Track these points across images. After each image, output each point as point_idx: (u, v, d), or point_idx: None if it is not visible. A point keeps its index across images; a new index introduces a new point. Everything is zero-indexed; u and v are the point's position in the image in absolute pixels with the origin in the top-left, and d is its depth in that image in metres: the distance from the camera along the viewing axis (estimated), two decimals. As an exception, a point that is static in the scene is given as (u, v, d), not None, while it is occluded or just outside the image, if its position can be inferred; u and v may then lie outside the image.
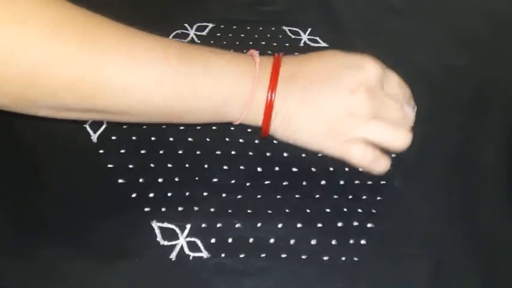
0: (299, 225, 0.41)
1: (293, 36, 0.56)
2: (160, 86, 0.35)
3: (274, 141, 0.46)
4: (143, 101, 0.36)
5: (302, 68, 0.39)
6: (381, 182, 0.44)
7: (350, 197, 0.43)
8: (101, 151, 0.44)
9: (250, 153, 0.45)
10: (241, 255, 0.39)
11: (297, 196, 0.43)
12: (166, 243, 0.39)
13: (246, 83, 0.38)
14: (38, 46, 0.31)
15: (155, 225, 0.40)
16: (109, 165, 0.43)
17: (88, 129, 0.46)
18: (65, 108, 0.35)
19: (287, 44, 0.55)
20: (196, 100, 0.37)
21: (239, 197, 0.42)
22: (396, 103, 0.39)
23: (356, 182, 0.44)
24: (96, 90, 0.34)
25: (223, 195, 0.42)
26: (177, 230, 0.40)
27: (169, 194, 0.42)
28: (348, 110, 0.38)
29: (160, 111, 0.37)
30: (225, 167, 0.44)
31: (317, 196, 0.43)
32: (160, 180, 0.43)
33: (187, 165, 0.44)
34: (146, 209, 0.41)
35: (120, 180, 0.42)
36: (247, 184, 0.43)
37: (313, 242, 0.40)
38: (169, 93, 0.36)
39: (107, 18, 0.35)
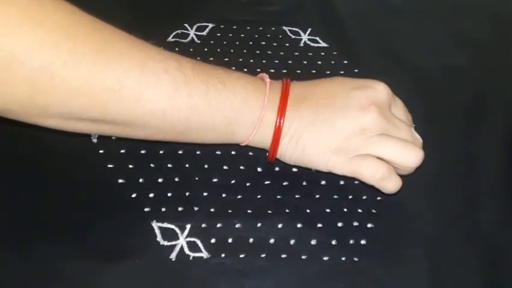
0: (299, 225, 0.41)
1: (293, 36, 0.56)
2: (174, 97, 0.35)
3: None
4: (156, 111, 0.35)
5: (311, 90, 0.40)
6: (381, 182, 0.44)
7: (350, 197, 0.43)
8: (101, 151, 0.44)
9: (250, 153, 0.45)
10: (241, 255, 0.39)
11: (297, 196, 0.43)
12: (166, 243, 0.39)
13: (257, 101, 0.38)
14: (52, 49, 0.31)
15: (155, 225, 0.40)
16: (109, 165, 0.43)
17: (88, 129, 0.46)
18: (74, 117, 0.35)
19: (287, 44, 0.55)
20: (209, 115, 0.37)
21: (239, 197, 0.42)
22: (405, 124, 0.40)
23: (356, 182, 0.44)
24: (108, 99, 0.33)
25: (223, 195, 0.42)
26: (177, 230, 0.40)
27: (169, 194, 0.42)
28: (358, 126, 0.38)
29: (173, 124, 0.36)
30: (225, 167, 0.44)
31: (317, 196, 0.43)
32: (160, 180, 0.43)
33: (187, 165, 0.44)
34: (146, 209, 0.41)
35: (120, 180, 0.42)
36: (247, 184, 0.43)
37: (313, 242, 0.40)
38: (183, 106, 0.36)
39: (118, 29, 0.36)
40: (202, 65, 0.38)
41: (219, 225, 0.41)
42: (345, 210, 0.42)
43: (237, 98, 0.37)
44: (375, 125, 0.38)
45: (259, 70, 0.52)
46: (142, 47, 0.35)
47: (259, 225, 0.41)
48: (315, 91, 0.40)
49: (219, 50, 0.54)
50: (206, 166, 0.44)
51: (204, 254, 0.39)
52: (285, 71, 0.52)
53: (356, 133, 0.38)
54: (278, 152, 0.40)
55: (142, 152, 0.45)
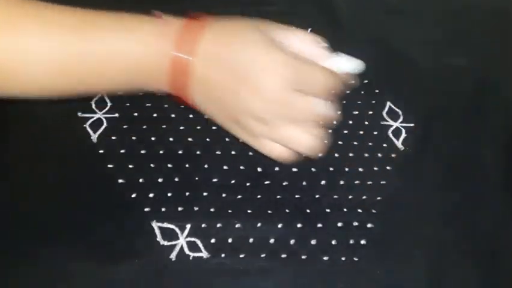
0: (299, 225, 0.41)
1: (293, 36, 0.56)
2: (63, 46, 0.35)
3: (274, 141, 0.46)
4: (45, 62, 0.35)
5: (223, 50, 0.37)
6: (381, 182, 0.44)
7: (350, 197, 0.43)
8: (101, 151, 0.44)
9: (250, 153, 0.45)
10: (241, 255, 0.39)
11: (297, 196, 0.43)
12: (166, 243, 0.39)
13: (159, 45, 0.36)
14: None
15: (155, 225, 0.40)
16: (109, 165, 0.43)
17: (88, 129, 0.46)
18: None
19: (287, 44, 0.55)
20: (103, 62, 0.36)
21: (239, 197, 0.42)
22: (308, 108, 0.37)
23: (356, 182, 0.44)
24: None
25: (223, 195, 0.42)
26: (177, 230, 0.40)
27: (169, 194, 0.42)
28: (249, 109, 0.36)
29: (64, 73, 0.36)
30: (225, 167, 0.44)
31: (317, 196, 0.43)
32: (160, 180, 0.43)
33: (187, 165, 0.44)
34: (146, 209, 0.41)
35: (120, 180, 0.42)
36: (247, 184, 0.43)
37: (313, 242, 0.40)
38: (74, 54, 0.35)
39: None
40: (93, 11, 0.37)
41: (219, 225, 0.41)
42: (345, 210, 0.42)
43: (133, 42, 0.36)
44: (272, 115, 0.36)
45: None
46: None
47: (259, 225, 0.41)
48: (223, 54, 0.37)
49: (219, 50, 0.54)
50: (206, 166, 0.44)
51: (204, 254, 0.39)
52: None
53: (252, 119, 0.36)
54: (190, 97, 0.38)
55: (142, 152, 0.45)
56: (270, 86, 0.36)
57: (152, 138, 0.46)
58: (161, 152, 0.45)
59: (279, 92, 0.36)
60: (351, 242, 0.41)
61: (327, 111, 0.38)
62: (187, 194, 0.42)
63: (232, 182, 0.43)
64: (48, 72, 0.35)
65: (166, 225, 0.40)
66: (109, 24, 0.36)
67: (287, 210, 0.42)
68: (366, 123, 0.48)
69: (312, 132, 0.37)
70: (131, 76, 0.37)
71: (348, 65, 0.39)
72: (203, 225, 0.41)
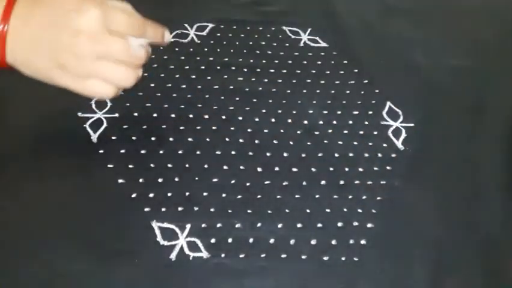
0: (299, 225, 0.41)
1: (293, 36, 0.56)
2: None
3: (275, 141, 0.46)
4: None
5: (34, 11, 0.40)
6: (381, 182, 0.44)
7: (350, 197, 0.43)
8: (101, 151, 0.44)
9: (250, 153, 0.45)
10: (241, 255, 0.39)
11: (297, 196, 0.43)
12: (166, 243, 0.39)
13: None
14: None
15: (155, 225, 0.40)
16: (109, 165, 0.43)
17: (88, 129, 0.46)
18: None
19: (287, 44, 0.55)
20: None
21: (239, 197, 0.42)
22: (120, 42, 0.40)
23: (356, 182, 0.44)
24: None
25: (223, 195, 0.42)
26: (177, 230, 0.40)
27: (169, 194, 0.42)
28: (72, 49, 0.39)
29: None
30: (225, 167, 0.44)
31: (317, 196, 0.43)
32: (160, 180, 0.43)
33: (187, 165, 0.44)
34: (146, 209, 0.41)
35: (120, 180, 0.42)
36: (247, 184, 0.43)
37: (313, 242, 0.40)
38: None
39: None
40: None
41: (219, 225, 0.41)
42: (345, 210, 0.42)
43: None
44: (88, 50, 0.39)
45: (259, 70, 0.52)
46: None
47: (259, 225, 0.41)
48: (39, 12, 0.40)
49: (218, 50, 0.54)
50: (206, 166, 0.44)
51: (204, 254, 0.39)
52: (285, 71, 0.53)
53: (71, 55, 0.39)
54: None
55: (142, 152, 0.45)
56: (85, 24, 0.39)
57: (152, 138, 0.46)
58: (161, 152, 0.45)
59: (94, 30, 0.39)
60: (351, 242, 0.41)
61: (138, 51, 0.42)
62: (187, 194, 0.42)
63: (232, 182, 0.43)
64: None
65: (166, 225, 0.40)
66: None
67: (287, 210, 0.42)
68: (366, 123, 0.48)
69: (127, 67, 0.41)
70: None
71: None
72: (203, 225, 0.40)
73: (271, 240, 0.40)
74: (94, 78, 0.41)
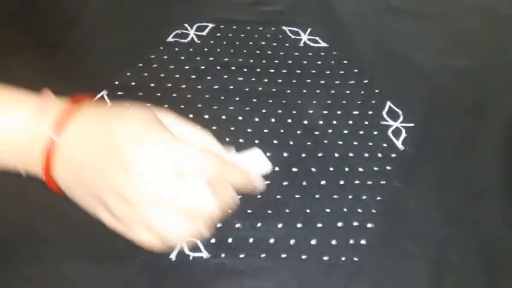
0: (299, 225, 0.41)
1: (293, 36, 0.56)
2: None
3: (275, 141, 0.46)
4: None
5: (90, 128, 0.34)
6: (381, 182, 0.44)
7: (350, 197, 0.43)
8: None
9: (250, 153, 0.45)
10: (241, 255, 0.39)
11: (297, 196, 0.43)
12: (166, 243, 0.39)
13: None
14: None
15: (155, 225, 0.40)
16: (109, 165, 0.43)
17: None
18: None
19: (287, 44, 0.55)
20: None
21: (239, 197, 0.42)
22: (187, 191, 0.33)
23: (356, 182, 0.44)
24: None
25: (223, 195, 0.42)
26: (177, 230, 0.40)
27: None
28: (121, 190, 0.32)
29: None
30: (225, 167, 0.44)
31: (317, 196, 0.43)
32: (160, 180, 0.43)
33: (187, 165, 0.44)
34: (146, 209, 0.41)
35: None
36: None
37: (313, 242, 0.40)
38: None
39: None
40: None
41: (219, 225, 0.41)
42: (345, 210, 0.42)
43: (8, 118, 0.33)
44: (142, 196, 0.32)
45: (259, 70, 0.52)
46: None
47: (259, 225, 0.41)
48: (95, 133, 0.34)
49: (218, 50, 0.54)
50: (206, 166, 0.44)
51: (204, 254, 0.39)
52: (285, 71, 0.53)
53: (121, 198, 0.32)
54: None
55: (142, 152, 0.45)
56: (143, 162, 0.32)
57: (152, 138, 0.46)
58: (161, 152, 0.45)
59: (154, 170, 0.32)
60: (351, 242, 0.41)
61: (207, 204, 0.33)
62: (187, 194, 0.42)
63: (232, 182, 0.43)
64: None
65: (166, 225, 0.40)
66: None
67: (287, 210, 0.42)
68: (366, 123, 0.48)
69: (186, 222, 0.33)
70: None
71: (252, 164, 0.36)
72: (203, 225, 0.40)
73: (271, 240, 0.40)
74: (143, 226, 0.33)
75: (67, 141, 0.33)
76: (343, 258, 0.40)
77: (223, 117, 0.48)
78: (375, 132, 0.48)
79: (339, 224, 0.41)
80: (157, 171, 0.32)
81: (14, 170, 0.35)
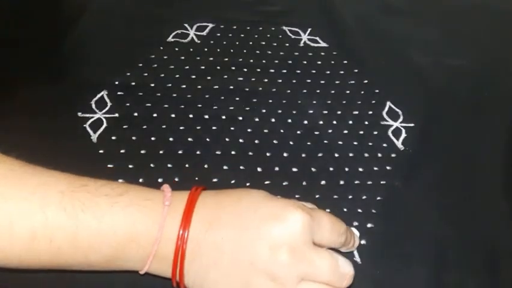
0: (299, 225, 0.41)
1: (293, 36, 0.56)
2: (30, 246, 0.31)
3: (275, 141, 0.46)
4: (9, 261, 0.31)
5: (218, 213, 0.33)
6: (381, 182, 0.44)
7: (350, 197, 0.43)
8: (101, 151, 0.44)
9: (250, 153, 0.45)
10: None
11: (297, 196, 0.43)
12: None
13: (146, 237, 0.32)
14: None
15: (155, 225, 0.40)
16: (109, 165, 0.43)
17: (88, 129, 0.46)
18: None
19: (287, 44, 0.55)
20: (80, 256, 0.32)
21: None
22: (327, 260, 0.32)
23: (356, 182, 0.44)
24: None
25: (223, 195, 0.42)
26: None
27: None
28: (269, 272, 0.31)
29: (35, 267, 0.33)
30: (225, 167, 0.44)
31: (317, 196, 0.43)
32: (160, 180, 0.43)
33: (187, 165, 0.44)
34: (146, 209, 0.41)
35: (120, 180, 0.42)
36: (247, 184, 0.43)
37: (313, 242, 0.40)
38: (43, 252, 0.31)
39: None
40: (78, 189, 0.32)
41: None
42: (345, 210, 0.42)
43: (119, 235, 0.32)
44: (289, 271, 0.31)
45: (259, 70, 0.52)
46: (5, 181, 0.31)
47: (259, 225, 0.41)
48: (223, 217, 0.33)
49: (218, 50, 0.54)
50: (206, 166, 0.44)
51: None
52: (285, 71, 0.53)
53: (266, 279, 0.31)
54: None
55: (142, 152, 0.45)
56: (289, 235, 0.32)
57: (152, 138, 0.46)
58: (161, 152, 0.45)
59: (300, 243, 0.32)
60: (351, 242, 0.41)
61: (346, 268, 0.33)
62: (187, 194, 0.42)
63: (232, 182, 0.43)
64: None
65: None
66: (105, 201, 0.32)
67: (287, 210, 0.42)
68: (366, 123, 0.48)
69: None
70: (118, 252, 0.32)
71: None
72: (203, 225, 0.40)
73: (271, 240, 0.40)
74: None
75: (198, 230, 0.32)
76: (343, 258, 0.40)
77: (223, 117, 0.48)
78: (375, 132, 0.48)
79: (339, 224, 0.41)
80: (301, 243, 0.32)
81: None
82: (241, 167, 0.44)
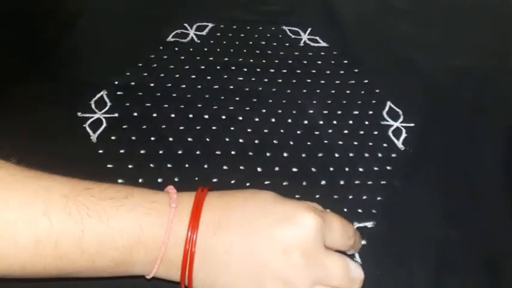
0: (299, 225, 0.41)
1: (293, 36, 0.56)
2: (35, 251, 0.30)
3: (275, 141, 0.46)
4: (13, 268, 0.30)
5: (228, 216, 0.32)
6: (381, 182, 0.44)
7: (350, 196, 0.43)
8: (101, 151, 0.44)
9: (250, 153, 0.45)
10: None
11: (297, 196, 0.43)
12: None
13: (153, 239, 0.32)
14: None
15: (155, 225, 0.40)
16: (109, 165, 0.43)
17: (88, 129, 0.46)
18: None
19: (287, 44, 0.55)
20: (86, 261, 0.31)
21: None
22: (339, 264, 0.32)
23: (356, 182, 0.44)
24: None
25: (223, 195, 0.42)
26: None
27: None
28: (281, 275, 0.31)
29: (41, 275, 0.31)
30: (225, 167, 0.44)
31: (317, 196, 0.43)
32: (159, 180, 0.43)
33: (187, 165, 0.44)
34: (146, 209, 0.41)
35: (120, 180, 0.42)
36: (247, 184, 0.43)
37: (313, 242, 0.40)
38: (49, 257, 0.30)
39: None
40: (82, 193, 0.31)
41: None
42: (345, 210, 0.42)
43: (125, 238, 0.31)
44: (302, 275, 0.31)
45: (259, 70, 0.52)
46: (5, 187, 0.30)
47: (259, 225, 0.41)
48: (232, 218, 0.32)
49: (218, 49, 0.54)
50: (206, 166, 0.44)
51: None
52: (285, 71, 0.53)
53: (279, 283, 0.31)
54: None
55: (142, 152, 0.45)
56: (302, 238, 0.31)
57: (152, 138, 0.46)
58: (161, 152, 0.45)
59: (312, 247, 0.31)
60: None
61: (357, 272, 0.33)
62: (187, 194, 0.42)
63: (232, 182, 0.43)
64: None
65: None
66: (111, 205, 0.32)
67: (287, 210, 0.42)
68: (366, 123, 0.48)
69: None
70: (125, 255, 0.32)
71: None
72: (203, 225, 0.40)
73: (271, 240, 0.40)
74: None
75: (205, 234, 0.31)
76: (343, 258, 0.40)
77: (223, 117, 0.48)
78: (376, 132, 0.48)
79: (339, 224, 0.41)
80: (312, 247, 0.31)
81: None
82: (241, 167, 0.44)
